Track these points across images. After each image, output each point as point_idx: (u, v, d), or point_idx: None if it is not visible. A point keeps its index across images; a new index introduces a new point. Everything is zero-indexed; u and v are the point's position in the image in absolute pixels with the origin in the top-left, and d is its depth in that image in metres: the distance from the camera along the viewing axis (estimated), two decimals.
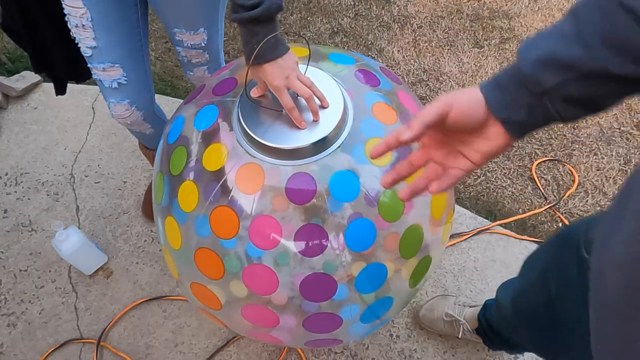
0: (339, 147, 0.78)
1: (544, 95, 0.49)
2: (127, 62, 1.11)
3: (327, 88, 0.82)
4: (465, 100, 0.53)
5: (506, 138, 0.54)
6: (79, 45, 1.07)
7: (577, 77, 0.47)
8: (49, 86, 1.32)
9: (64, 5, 1.01)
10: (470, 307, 1.32)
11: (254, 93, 0.84)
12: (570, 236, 0.80)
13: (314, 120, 0.79)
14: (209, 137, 0.82)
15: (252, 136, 0.77)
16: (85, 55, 1.08)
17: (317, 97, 0.80)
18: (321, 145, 0.77)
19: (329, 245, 0.77)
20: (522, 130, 0.54)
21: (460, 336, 1.32)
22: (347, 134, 0.79)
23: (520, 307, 0.98)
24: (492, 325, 1.20)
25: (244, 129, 0.78)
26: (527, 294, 0.95)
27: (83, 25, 1.02)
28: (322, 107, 0.80)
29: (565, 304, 0.80)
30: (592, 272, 0.52)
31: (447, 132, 0.56)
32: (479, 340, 1.29)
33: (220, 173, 0.78)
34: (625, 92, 0.48)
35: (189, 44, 1.20)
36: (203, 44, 1.21)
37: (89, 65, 1.10)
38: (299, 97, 0.81)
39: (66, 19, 1.03)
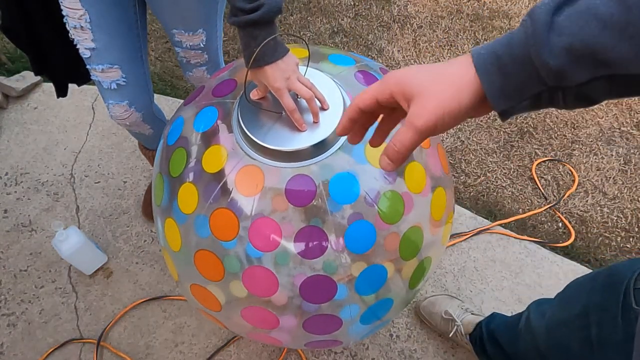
0: (338, 149, 0.78)
1: (560, 89, 0.40)
2: (125, 63, 1.11)
3: (327, 89, 0.82)
4: (458, 103, 0.42)
5: (486, 111, 0.45)
6: (77, 47, 1.07)
7: (612, 77, 0.38)
8: (49, 86, 1.32)
9: (62, 7, 1.01)
10: (473, 314, 1.33)
11: (254, 95, 0.84)
12: (618, 279, 0.78)
13: (314, 122, 0.79)
14: (209, 138, 0.82)
15: (251, 138, 0.77)
16: (83, 56, 1.08)
17: (318, 99, 0.80)
18: (321, 147, 0.77)
19: (328, 246, 0.77)
20: (513, 115, 0.44)
21: (451, 335, 1.33)
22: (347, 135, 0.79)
23: (554, 338, 0.94)
24: (495, 336, 1.19)
25: (244, 130, 0.78)
26: (565, 327, 0.91)
27: (81, 26, 1.02)
28: (323, 108, 0.80)
29: (605, 349, 0.79)
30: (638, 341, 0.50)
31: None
32: (469, 346, 1.29)
33: (220, 175, 0.78)
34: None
35: (187, 45, 1.20)
36: (202, 45, 1.21)
37: (87, 66, 1.10)
38: (298, 99, 0.81)
39: (64, 20, 1.03)
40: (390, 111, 0.51)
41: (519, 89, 0.41)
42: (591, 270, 1.29)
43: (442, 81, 0.43)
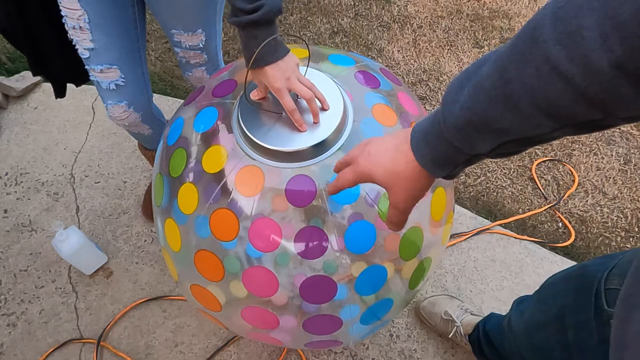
0: (339, 149, 0.78)
1: (478, 155, 0.48)
2: (124, 63, 1.11)
3: (327, 90, 0.82)
4: (421, 181, 0.54)
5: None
6: (76, 47, 1.07)
7: (514, 139, 0.44)
8: (49, 86, 1.31)
9: (61, 7, 1.00)
10: (472, 314, 1.33)
11: (254, 95, 0.84)
12: (589, 279, 0.78)
13: (314, 122, 0.79)
14: (209, 139, 0.82)
15: (251, 138, 0.77)
16: (82, 56, 1.08)
17: (318, 99, 0.80)
18: (321, 147, 0.77)
19: (329, 247, 0.77)
20: (456, 176, 0.54)
21: (450, 336, 1.33)
22: (347, 136, 0.79)
23: (534, 341, 0.95)
24: (490, 337, 1.19)
25: (244, 131, 0.78)
26: (543, 330, 0.92)
27: (80, 27, 1.02)
28: (323, 109, 0.80)
29: (582, 353, 0.79)
30: (612, 345, 0.50)
31: None
32: (468, 347, 1.29)
33: (220, 175, 0.78)
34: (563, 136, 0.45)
35: (187, 45, 1.20)
36: (201, 45, 1.20)
37: (86, 66, 1.10)
38: (299, 99, 0.81)
39: (63, 20, 1.02)
40: None
41: (447, 159, 0.50)
42: None
43: (400, 180, 0.54)
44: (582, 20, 0.34)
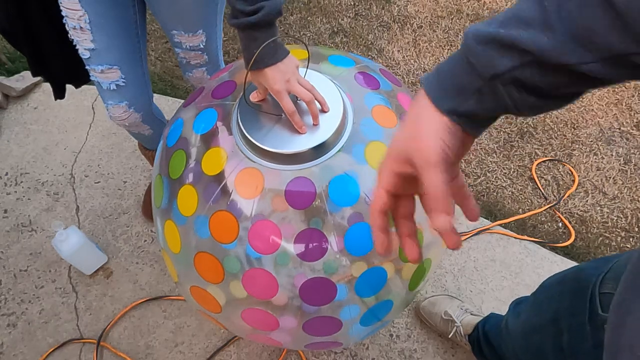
0: (338, 151, 0.78)
1: (495, 79, 0.42)
2: (125, 63, 1.11)
3: (327, 91, 0.82)
4: (447, 134, 0.45)
5: (469, 139, 0.47)
6: (77, 48, 1.07)
7: (536, 65, 0.40)
8: (50, 86, 1.31)
9: (61, 8, 1.00)
10: (472, 314, 1.33)
11: (254, 97, 0.84)
12: (584, 283, 0.78)
13: (313, 124, 0.79)
14: (208, 140, 0.82)
15: (251, 140, 0.77)
16: (83, 57, 1.08)
17: (318, 101, 0.80)
18: (321, 149, 0.77)
19: (328, 249, 0.77)
20: (475, 123, 0.46)
21: (450, 336, 1.33)
22: (347, 137, 0.79)
23: (530, 344, 0.95)
24: (489, 337, 1.19)
25: (243, 133, 0.78)
26: (538, 333, 0.92)
27: (81, 27, 1.02)
28: (323, 111, 0.80)
29: (576, 357, 0.80)
30: (606, 349, 0.50)
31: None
32: (468, 347, 1.30)
33: (219, 177, 0.78)
34: (586, 86, 0.42)
35: (187, 46, 1.20)
36: (202, 46, 1.20)
37: (86, 67, 1.10)
38: (298, 101, 0.81)
39: (64, 21, 1.02)
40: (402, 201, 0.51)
41: (457, 84, 0.44)
42: None
43: (424, 137, 0.45)
44: None
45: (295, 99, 0.80)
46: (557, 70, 0.40)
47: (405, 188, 0.49)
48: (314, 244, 0.76)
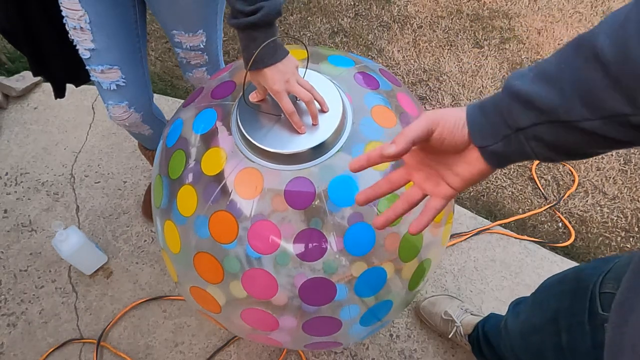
0: (338, 151, 0.78)
1: (519, 131, 0.48)
2: (125, 63, 1.11)
3: (326, 91, 0.82)
4: (452, 119, 0.51)
5: (485, 164, 0.52)
6: (77, 48, 1.07)
7: (549, 123, 0.45)
8: (49, 86, 1.31)
9: (61, 8, 1.00)
10: (472, 314, 1.33)
11: (253, 98, 0.83)
12: (584, 283, 0.78)
13: (313, 125, 0.79)
14: (208, 140, 0.82)
15: (250, 141, 0.77)
16: (83, 57, 1.08)
17: (317, 101, 0.80)
18: (320, 149, 0.77)
19: (328, 249, 0.77)
20: (499, 161, 0.52)
21: (450, 336, 1.33)
22: (346, 137, 0.79)
23: (529, 344, 0.96)
24: (488, 337, 1.19)
25: (243, 133, 0.78)
26: (538, 333, 0.92)
27: (81, 27, 1.02)
28: (322, 111, 0.80)
29: (575, 356, 0.80)
30: (607, 348, 0.51)
31: (429, 152, 0.55)
32: (468, 347, 1.30)
33: (219, 177, 0.78)
34: (601, 147, 0.46)
35: (187, 46, 1.20)
36: (202, 46, 1.20)
37: (87, 67, 1.10)
38: (298, 101, 0.81)
39: (64, 21, 1.02)
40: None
41: (492, 127, 0.50)
42: None
43: (447, 109, 0.53)
44: (630, 14, 0.39)
45: (294, 99, 0.80)
46: (568, 128, 0.45)
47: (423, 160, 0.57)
48: (314, 244, 0.76)
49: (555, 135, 0.46)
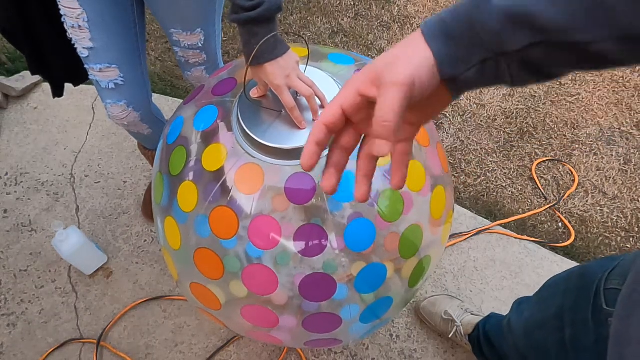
0: None
1: (502, 55, 0.40)
2: (124, 62, 1.11)
3: (327, 88, 0.82)
4: (425, 70, 0.41)
5: (446, 98, 0.45)
6: (75, 46, 1.07)
7: (547, 44, 0.38)
8: (49, 86, 1.32)
9: (60, 7, 1.00)
10: (472, 314, 1.33)
11: (254, 93, 0.84)
12: (589, 279, 0.78)
13: (314, 120, 0.79)
14: (209, 137, 0.82)
15: (251, 136, 0.77)
16: (81, 56, 1.08)
17: (318, 97, 0.80)
18: None
19: (328, 245, 0.76)
20: (462, 90, 0.44)
21: (450, 336, 1.33)
22: None
23: (532, 340, 0.96)
24: (489, 337, 1.19)
25: (243, 129, 0.78)
26: (541, 329, 0.92)
27: (79, 26, 1.02)
28: (323, 107, 0.80)
29: (578, 351, 0.80)
30: (612, 341, 0.50)
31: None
32: (468, 347, 1.29)
33: (219, 173, 0.78)
34: (587, 66, 0.40)
35: (186, 45, 1.20)
36: (200, 44, 1.20)
37: (85, 66, 1.10)
38: (299, 97, 0.81)
39: (62, 20, 1.02)
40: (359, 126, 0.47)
41: (464, 54, 0.41)
42: None
43: (403, 60, 0.41)
44: None
45: (295, 95, 0.80)
46: (569, 50, 0.38)
47: (359, 115, 0.45)
48: (314, 240, 0.76)
49: (551, 57, 0.39)
